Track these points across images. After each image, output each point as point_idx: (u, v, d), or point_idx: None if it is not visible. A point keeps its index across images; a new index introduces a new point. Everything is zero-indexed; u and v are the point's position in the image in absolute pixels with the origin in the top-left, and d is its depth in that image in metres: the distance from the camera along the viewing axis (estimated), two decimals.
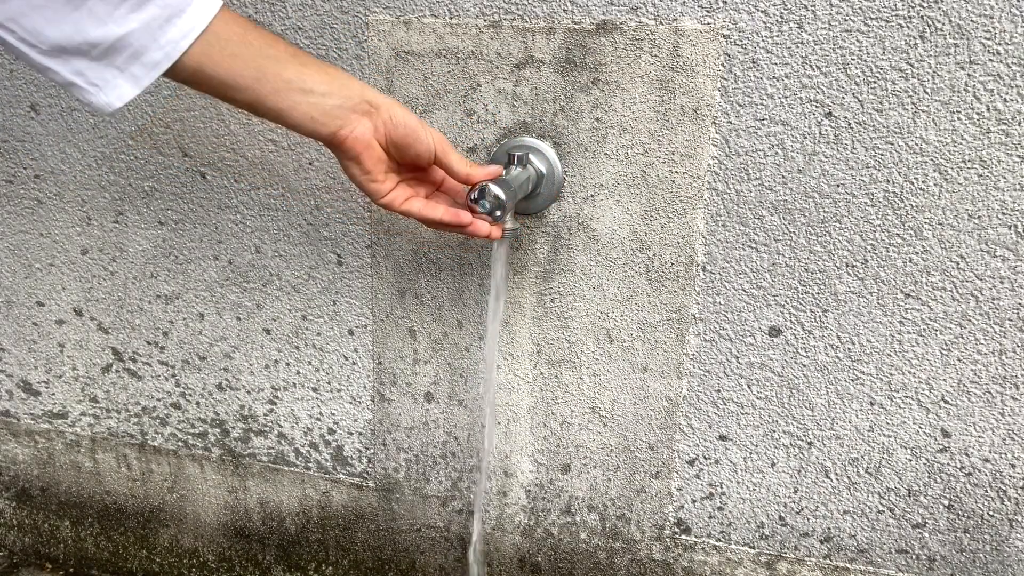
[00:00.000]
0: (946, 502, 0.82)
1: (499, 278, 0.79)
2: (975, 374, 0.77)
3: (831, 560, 0.87)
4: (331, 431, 1.00)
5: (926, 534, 0.83)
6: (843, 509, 0.85)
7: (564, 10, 0.75)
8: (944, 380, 0.78)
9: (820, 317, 0.79)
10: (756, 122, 0.74)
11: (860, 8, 0.69)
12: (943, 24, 0.68)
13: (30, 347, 1.09)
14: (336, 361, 0.96)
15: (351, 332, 0.94)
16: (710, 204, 0.78)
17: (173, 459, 1.08)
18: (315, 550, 1.07)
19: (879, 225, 0.74)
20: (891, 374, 0.79)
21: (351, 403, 0.97)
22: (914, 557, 0.84)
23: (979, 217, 0.72)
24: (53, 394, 1.11)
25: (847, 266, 0.76)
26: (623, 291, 0.83)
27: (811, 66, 0.71)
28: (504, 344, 0.89)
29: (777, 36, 0.72)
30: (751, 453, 0.85)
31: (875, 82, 0.71)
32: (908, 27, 0.69)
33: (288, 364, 0.98)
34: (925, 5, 0.68)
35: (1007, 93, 0.68)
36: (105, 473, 1.13)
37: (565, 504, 0.94)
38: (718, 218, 0.78)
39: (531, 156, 0.78)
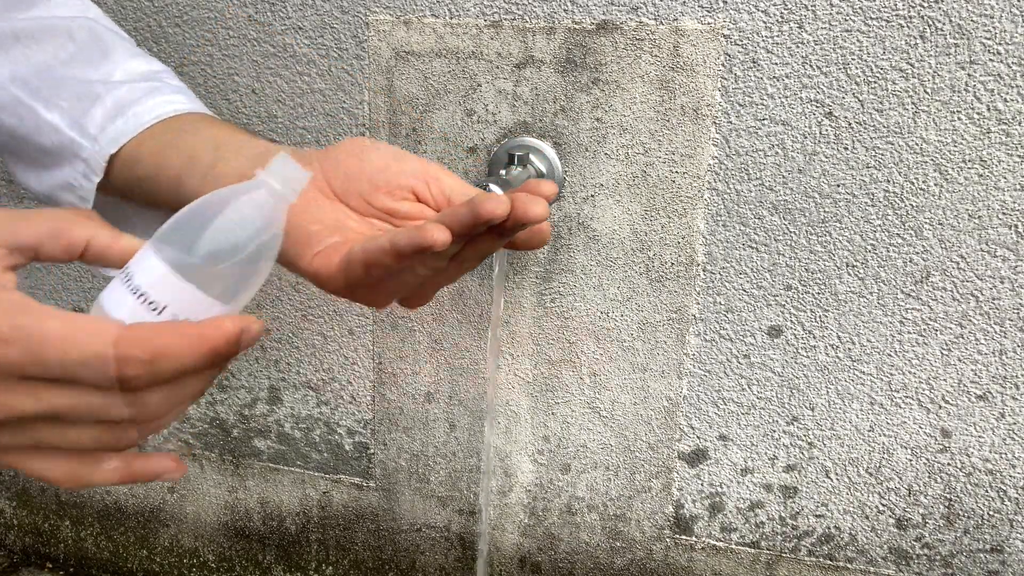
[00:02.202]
0: (946, 502, 0.82)
1: (499, 278, 0.79)
2: (975, 374, 0.77)
3: (831, 560, 0.87)
4: (331, 431, 1.00)
5: (926, 534, 0.83)
6: (843, 509, 0.85)
7: (564, 10, 0.75)
8: (944, 380, 0.78)
9: (820, 317, 0.79)
10: (756, 122, 0.74)
11: (860, 8, 0.69)
12: (943, 24, 0.68)
13: None
14: (336, 361, 0.96)
15: (351, 332, 0.94)
16: (710, 204, 0.78)
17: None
18: (315, 550, 1.07)
19: (879, 225, 0.74)
20: (891, 374, 0.79)
21: (351, 403, 0.97)
22: (914, 557, 0.84)
23: (979, 217, 0.72)
24: None
25: (847, 266, 0.76)
26: (623, 291, 0.83)
27: (811, 66, 0.71)
28: (504, 344, 0.89)
29: (777, 36, 0.72)
30: (751, 453, 0.85)
31: (875, 82, 0.71)
32: (908, 27, 0.69)
33: (288, 364, 0.98)
34: (925, 5, 0.68)
35: (1007, 93, 0.68)
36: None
37: (565, 504, 0.94)
38: (718, 218, 0.78)
39: (531, 156, 0.78)
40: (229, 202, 0.36)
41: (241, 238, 0.35)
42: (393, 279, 0.40)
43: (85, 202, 0.51)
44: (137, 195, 0.51)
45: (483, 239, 0.39)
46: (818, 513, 0.86)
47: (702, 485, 0.88)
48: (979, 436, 0.79)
